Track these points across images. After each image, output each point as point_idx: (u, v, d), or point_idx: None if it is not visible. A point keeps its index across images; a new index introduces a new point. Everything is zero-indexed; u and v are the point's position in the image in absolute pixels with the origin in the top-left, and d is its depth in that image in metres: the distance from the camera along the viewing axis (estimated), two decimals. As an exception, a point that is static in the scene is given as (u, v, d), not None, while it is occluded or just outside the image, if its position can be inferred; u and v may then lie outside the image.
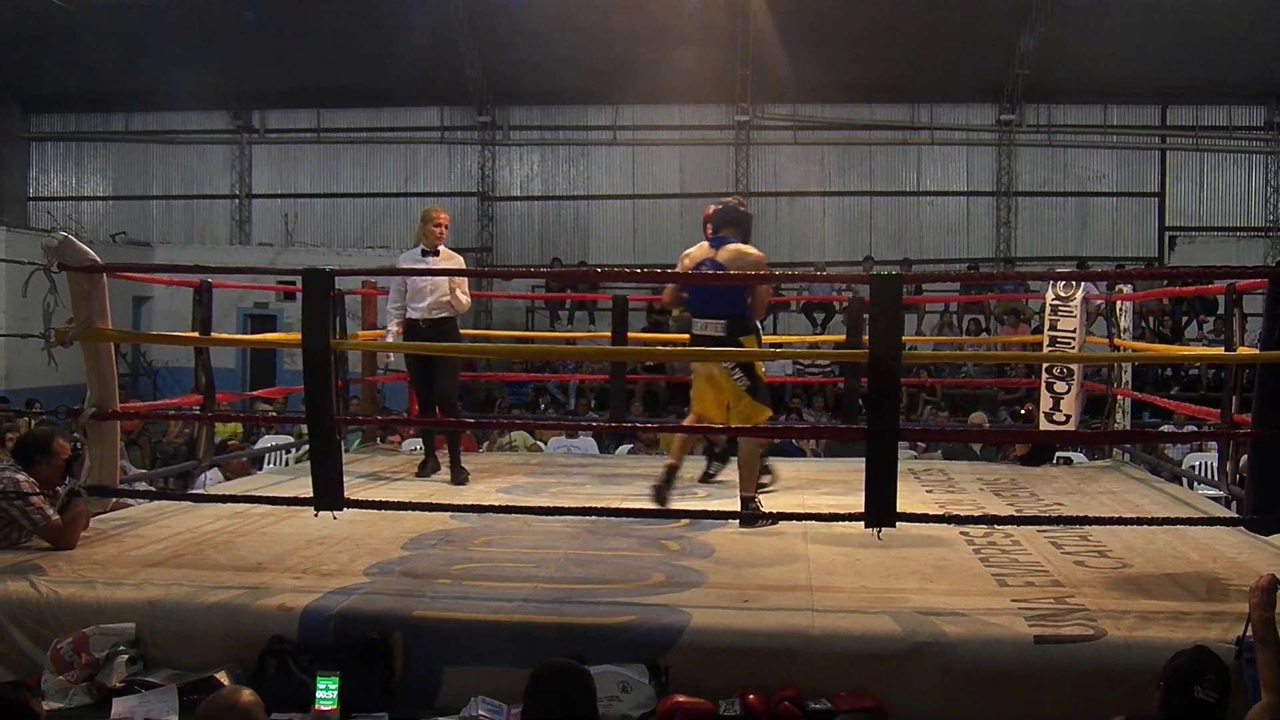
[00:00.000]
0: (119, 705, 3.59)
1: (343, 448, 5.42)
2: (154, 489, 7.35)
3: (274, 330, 16.41)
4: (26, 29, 17.40)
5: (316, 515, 4.57)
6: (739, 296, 5.49)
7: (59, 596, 3.99)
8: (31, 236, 14.51)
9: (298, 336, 4.56)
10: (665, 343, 9.46)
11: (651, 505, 5.30)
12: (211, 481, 8.09)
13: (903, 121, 18.64)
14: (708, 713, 3.50)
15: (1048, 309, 7.30)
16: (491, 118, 19.17)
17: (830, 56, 17.08)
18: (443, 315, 6.69)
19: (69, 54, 17.80)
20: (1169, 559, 4.67)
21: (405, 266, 6.69)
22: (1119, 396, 7.62)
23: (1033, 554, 4.74)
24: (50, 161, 20.55)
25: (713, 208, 5.90)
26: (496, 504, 5.49)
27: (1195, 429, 8.42)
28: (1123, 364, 7.67)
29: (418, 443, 9.22)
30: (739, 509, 5.47)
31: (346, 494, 4.62)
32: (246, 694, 2.82)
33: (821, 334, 15.20)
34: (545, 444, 10.19)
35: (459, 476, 6.68)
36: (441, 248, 6.73)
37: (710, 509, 5.72)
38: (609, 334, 8.04)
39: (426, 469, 6.99)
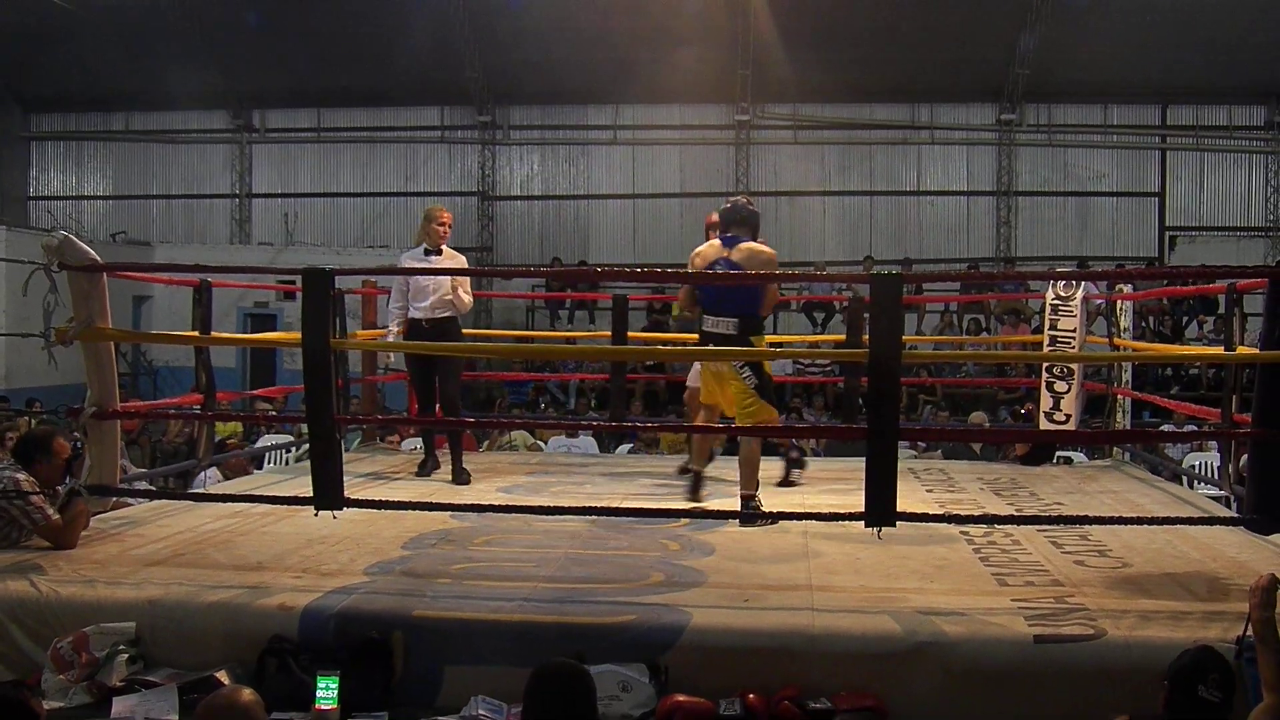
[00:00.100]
0: (119, 704, 3.60)
1: (343, 447, 5.42)
2: (154, 488, 7.36)
3: (274, 329, 16.41)
4: (27, 29, 17.40)
5: (316, 515, 4.57)
6: (752, 295, 5.51)
7: (59, 596, 3.99)
8: (32, 236, 14.51)
9: (298, 336, 4.56)
10: (665, 342, 9.47)
11: (650, 505, 5.31)
12: (210, 481, 8.10)
13: (903, 121, 18.65)
14: (708, 712, 3.50)
15: (1048, 309, 7.30)
16: (492, 117, 19.17)
17: (830, 56, 17.08)
18: (446, 315, 6.69)
19: (69, 53, 17.81)
20: (1169, 558, 4.67)
21: (408, 266, 6.68)
22: (1119, 396, 7.62)
23: (1033, 553, 4.74)
24: (50, 161, 20.56)
25: (716, 214, 5.92)
26: (496, 503, 5.49)
27: (1195, 429, 8.42)
28: (1123, 363, 7.67)
29: (418, 442, 9.22)
30: (739, 508, 5.48)
31: (346, 493, 4.62)
32: (246, 693, 2.82)
33: (821, 333, 15.20)
34: (545, 443, 10.20)
35: (460, 477, 6.67)
36: (444, 247, 6.74)
37: (710, 508, 5.72)
38: (609, 333, 8.04)
39: (426, 468, 6.99)
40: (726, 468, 6.11)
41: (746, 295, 5.50)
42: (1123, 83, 17.57)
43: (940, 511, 5.16)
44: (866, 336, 4.32)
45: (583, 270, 18.65)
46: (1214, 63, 16.95)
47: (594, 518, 5.27)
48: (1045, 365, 7.44)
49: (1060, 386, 7.22)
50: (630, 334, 8.43)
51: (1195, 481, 8.24)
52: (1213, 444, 9.08)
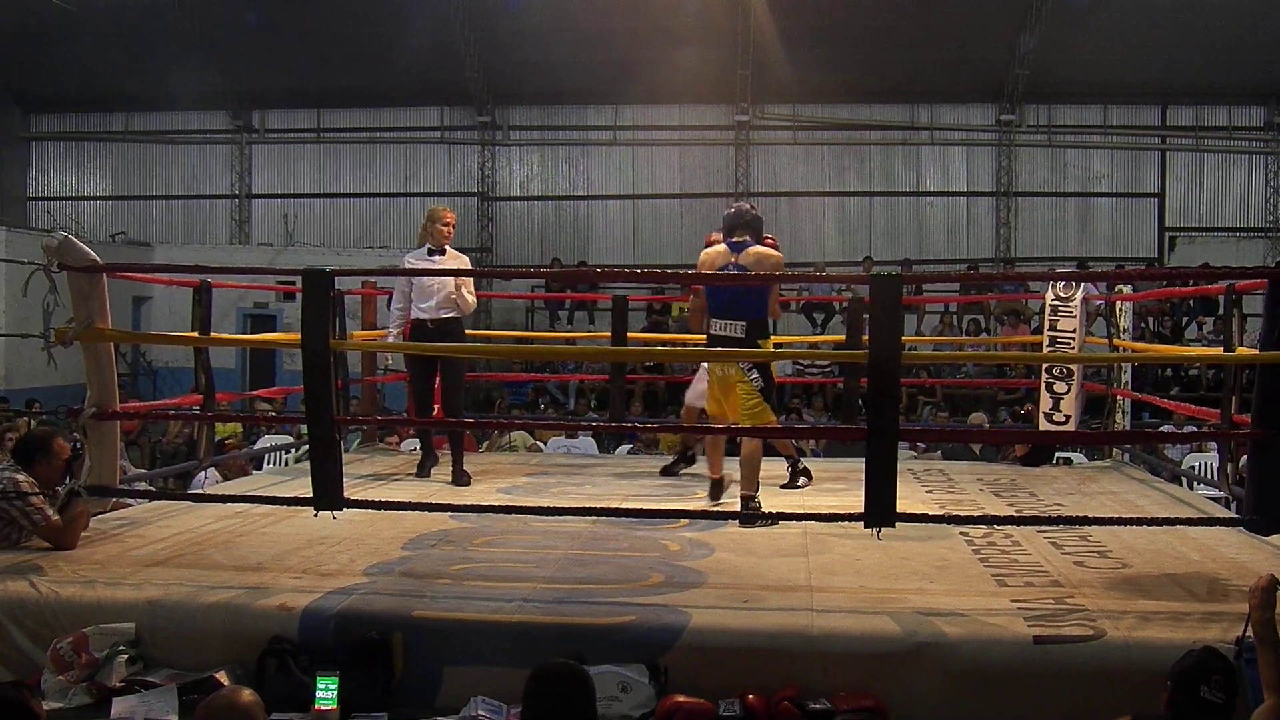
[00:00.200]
0: (119, 705, 3.60)
1: (342, 448, 5.42)
2: (154, 489, 7.35)
3: (274, 330, 16.42)
4: (26, 29, 17.40)
5: (316, 515, 4.57)
6: (760, 299, 5.58)
7: (59, 596, 3.99)
8: (31, 236, 14.51)
9: (297, 336, 4.56)
10: (665, 343, 9.48)
11: (650, 506, 5.31)
12: (209, 481, 8.09)
13: (902, 122, 18.65)
14: (707, 713, 3.50)
15: (1047, 309, 7.30)
16: (491, 118, 19.18)
17: (830, 57, 17.10)
18: (450, 315, 6.66)
19: (69, 54, 17.81)
20: (1169, 559, 4.67)
21: (411, 266, 6.65)
22: (1119, 397, 7.62)
23: (1032, 554, 4.74)
24: (50, 161, 20.57)
25: (716, 235, 6.02)
26: (496, 504, 5.49)
27: (1195, 429, 8.42)
28: (1122, 364, 7.67)
29: (417, 443, 9.22)
30: (739, 508, 5.48)
31: (346, 494, 4.62)
32: (246, 694, 2.82)
33: (821, 334, 15.20)
34: (545, 444, 10.19)
35: (461, 479, 6.65)
36: (447, 247, 6.73)
37: (710, 509, 5.72)
38: (609, 334, 8.04)
39: (425, 467, 6.98)
40: (727, 470, 6.10)
41: (754, 299, 5.56)
42: (1122, 83, 17.58)
43: (940, 512, 5.17)
44: (866, 337, 4.32)
45: (582, 271, 18.66)
46: (1214, 63, 16.96)
47: (594, 518, 5.27)
48: (1045, 366, 7.44)
49: (1060, 387, 7.22)
50: (630, 334, 8.44)
51: (1195, 482, 8.24)
52: (1212, 445, 9.08)
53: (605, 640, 3.66)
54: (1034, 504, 6.08)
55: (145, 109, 19.64)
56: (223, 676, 3.67)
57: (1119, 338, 7.41)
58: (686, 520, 5.34)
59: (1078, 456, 8.85)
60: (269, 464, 9.22)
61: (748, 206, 5.85)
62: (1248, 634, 3.30)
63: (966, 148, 18.68)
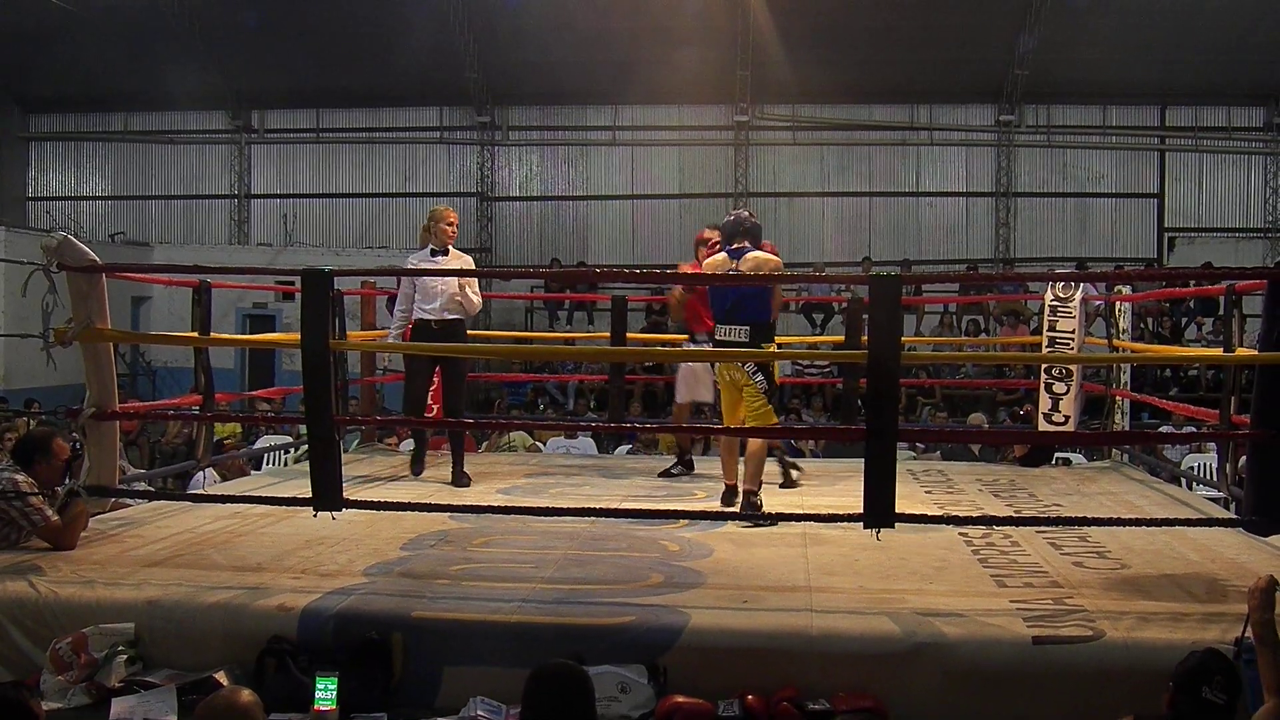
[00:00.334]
0: (118, 705, 3.59)
1: (341, 448, 5.42)
2: (153, 489, 7.35)
3: (273, 330, 16.42)
4: (26, 29, 17.39)
5: (315, 515, 4.57)
6: (764, 304, 5.61)
7: (58, 597, 3.99)
8: (31, 236, 14.51)
9: (297, 337, 4.57)
10: (664, 343, 9.47)
11: (649, 506, 5.31)
12: (207, 482, 8.08)
13: (902, 122, 18.65)
14: (707, 713, 3.50)
15: (1047, 310, 7.30)
16: (491, 118, 19.18)
17: (830, 57, 17.09)
18: (454, 316, 6.63)
19: (68, 54, 17.80)
20: (1168, 560, 4.68)
21: (413, 266, 6.63)
22: (1118, 397, 7.62)
23: (1031, 555, 4.74)
24: (49, 161, 20.55)
25: (707, 231, 6.40)
26: (495, 504, 5.49)
27: (1194, 430, 8.42)
28: (1121, 365, 7.67)
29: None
30: (740, 502, 5.51)
31: (345, 494, 4.62)
32: (245, 694, 2.82)
33: (820, 335, 15.20)
34: (544, 444, 10.19)
35: (460, 480, 6.64)
36: (450, 248, 6.70)
37: (709, 510, 5.72)
38: (608, 334, 8.04)
39: (418, 466, 6.97)
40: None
41: (757, 304, 5.60)
42: (1122, 84, 17.58)
43: (939, 513, 5.17)
44: (865, 338, 4.32)
45: (581, 271, 18.66)
46: (1213, 64, 16.96)
47: (593, 519, 5.27)
48: (1044, 366, 7.45)
49: (1059, 388, 7.22)
50: (629, 335, 8.43)
51: (1194, 483, 8.24)
52: (1211, 445, 9.08)
53: (604, 640, 3.67)
54: (1033, 504, 6.08)
55: (145, 109, 19.63)
56: (222, 677, 3.67)
57: (1118, 338, 7.41)
58: (685, 520, 5.35)
59: (1077, 457, 8.85)
60: (268, 464, 9.22)
61: (746, 214, 5.93)
62: (1247, 635, 3.30)
63: (966, 148, 18.69)
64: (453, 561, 4.61)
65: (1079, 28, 16.40)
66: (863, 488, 4.22)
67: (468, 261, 6.97)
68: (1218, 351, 6.23)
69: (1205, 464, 9.21)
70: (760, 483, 5.64)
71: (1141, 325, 14.09)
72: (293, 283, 5.55)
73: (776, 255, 5.93)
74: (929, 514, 4.66)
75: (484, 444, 9.94)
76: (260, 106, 19.66)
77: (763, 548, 4.90)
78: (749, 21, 16.71)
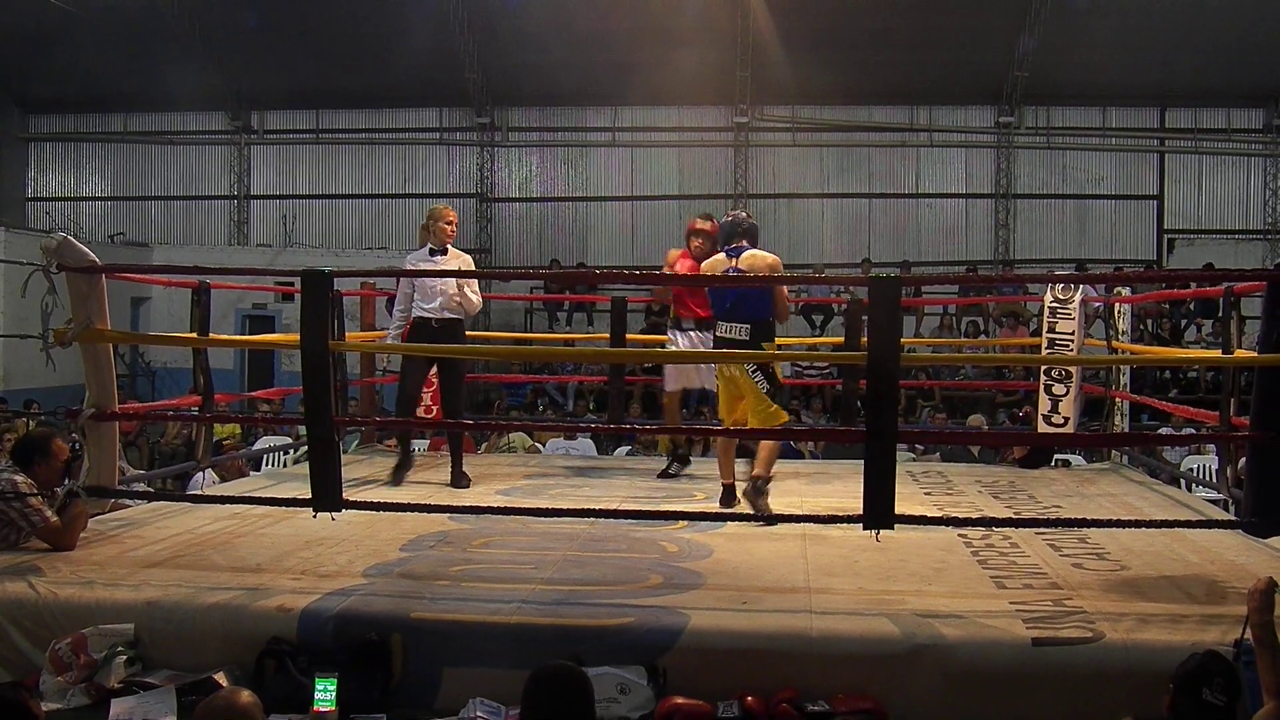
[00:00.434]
0: (117, 706, 3.59)
1: (341, 449, 5.41)
2: (152, 490, 7.35)
3: (272, 331, 16.41)
4: (25, 30, 17.39)
5: (315, 516, 4.57)
6: (764, 302, 5.63)
7: (57, 597, 3.99)
8: (30, 237, 14.51)
9: (296, 337, 4.56)
10: (664, 345, 9.46)
11: (648, 507, 5.31)
12: (206, 483, 8.07)
13: (901, 124, 18.66)
14: (706, 714, 3.50)
15: (1046, 311, 7.31)
16: (490, 119, 19.18)
17: (829, 59, 17.10)
18: (454, 316, 6.59)
19: (68, 55, 17.79)
20: (1167, 561, 4.68)
21: (412, 266, 6.59)
22: (1117, 399, 7.62)
23: (1031, 556, 4.74)
24: (49, 162, 20.55)
25: (698, 221, 6.63)
26: (495, 505, 5.49)
27: (1193, 431, 8.43)
28: (1121, 366, 7.67)
29: (415, 444, 9.20)
30: (749, 486, 5.52)
31: (345, 495, 4.61)
32: (245, 695, 2.81)
33: (820, 336, 15.21)
34: (543, 446, 10.19)
35: (460, 480, 6.63)
36: (449, 247, 6.66)
37: (709, 511, 5.72)
38: (607, 335, 8.04)
39: (400, 473, 6.72)
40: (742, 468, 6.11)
41: (758, 301, 5.62)
42: (1121, 85, 17.59)
43: (938, 514, 5.17)
44: (865, 339, 4.33)
45: (581, 272, 18.63)
46: (1212, 65, 16.97)
47: (592, 520, 5.27)
48: (1043, 368, 7.45)
49: (1058, 389, 7.22)
50: (629, 336, 8.43)
51: (1193, 484, 8.25)
52: (1211, 447, 9.08)
53: (604, 642, 3.67)
54: (1032, 506, 6.08)
55: (144, 110, 19.63)
56: (221, 678, 3.67)
57: (1117, 340, 7.41)
58: (685, 522, 5.35)
59: (1076, 459, 8.84)
60: (267, 465, 9.22)
61: (744, 215, 5.98)
62: (1246, 636, 3.30)
63: (965, 150, 18.69)
64: (452, 562, 4.61)
65: (1079, 29, 16.41)
66: (862, 489, 4.22)
67: (467, 261, 6.93)
68: (1217, 353, 6.23)
69: (1205, 465, 9.22)
70: (770, 473, 5.66)
71: (1141, 327, 14.10)
72: (292, 283, 5.56)
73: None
74: (928, 515, 4.66)
75: (483, 445, 9.93)
76: (260, 107, 19.66)
77: (762, 549, 4.90)
78: (749, 23, 16.72)
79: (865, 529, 4.24)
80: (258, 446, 10.38)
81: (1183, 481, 8.31)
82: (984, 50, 17.25)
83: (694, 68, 16.91)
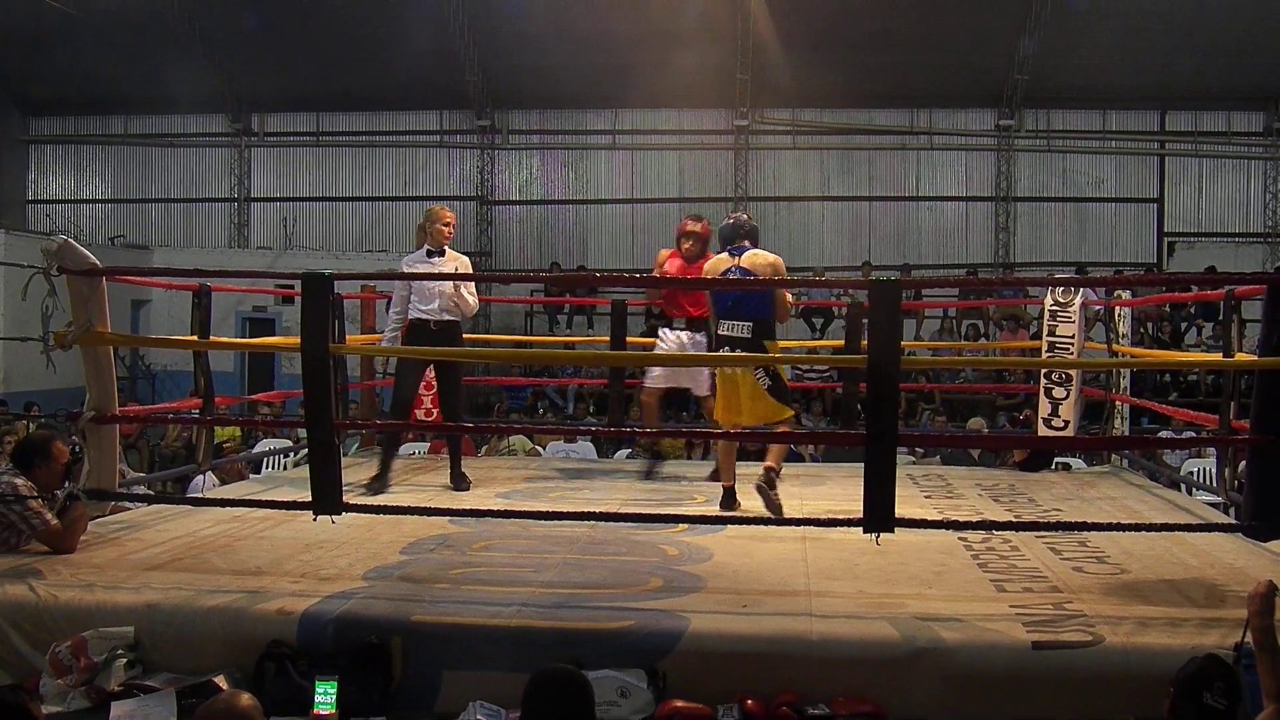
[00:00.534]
0: (117, 709, 3.59)
1: (341, 452, 5.41)
2: (152, 493, 7.34)
3: (273, 334, 16.40)
4: (26, 32, 17.41)
5: (315, 519, 4.57)
6: (765, 300, 5.66)
7: (58, 600, 3.99)
8: (31, 239, 14.52)
9: (296, 340, 4.56)
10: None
11: (648, 510, 5.31)
12: (207, 485, 8.07)
13: (902, 127, 18.66)
14: (706, 718, 3.50)
15: (1046, 314, 7.30)
16: (491, 121, 19.19)
17: (830, 61, 17.11)
18: (452, 317, 6.56)
19: (68, 57, 17.82)
20: (1167, 565, 4.68)
21: (409, 269, 6.57)
22: (1117, 402, 7.62)
23: (1031, 560, 4.74)
24: (49, 164, 20.56)
25: (690, 223, 6.81)
26: (495, 509, 5.48)
27: (1194, 435, 8.42)
28: (1121, 370, 7.67)
29: (415, 447, 9.22)
30: (761, 477, 5.52)
31: (344, 498, 4.61)
32: (245, 698, 2.81)
33: (820, 339, 15.21)
34: (543, 449, 10.18)
35: (460, 483, 6.62)
36: (447, 249, 6.62)
37: (709, 514, 5.72)
38: (608, 338, 8.04)
39: (377, 485, 6.41)
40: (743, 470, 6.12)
41: (760, 300, 5.64)
42: (1121, 88, 17.60)
43: (938, 517, 5.17)
44: (865, 342, 4.33)
45: (581, 275, 18.64)
46: (1212, 68, 16.99)
47: (592, 523, 5.27)
48: (1044, 371, 7.44)
49: (1059, 393, 7.21)
50: (629, 339, 8.43)
51: (1193, 488, 8.24)
52: (1211, 450, 9.08)
53: (604, 645, 3.66)
54: (1033, 509, 6.08)
55: (144, 112, 19.64)
56: (221, 680, 3.66)
57: (1118, 343, 7.41)
58: (685, 525, 5.34)
59: (1076, 462, 8.85)
60: (267, 468, 9.22)
61: (745, 217, 6.00)
62: (1246, 640, 3.30)
63: (965, 153, 18.70)
64: (452, 565, 4.61)
65: (1079, 32, 16.42)
66: (862, 492, 4.22)
67: (464, 262, 6.88)
68: (1217, 356, 6.24)
69: (1205, 469, 9.21)
70: (781, 465, 5.69)
71: (1141, 330, 14.11)
72: (292, 286, 5.54)
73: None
74: (929, 518, 4.67)
75: (483, 448, 9.93)
76: (260, 109, 19.67)
77: (762, 552, 4.90)
78: (749, 25, 16.73)
79: (865, 532, 4.24)
80: (258, 449, 10.38)
81: (1183, 485, 8.30)
82: (984, 53, 17.27)
83: (694, 70, 16.92)
